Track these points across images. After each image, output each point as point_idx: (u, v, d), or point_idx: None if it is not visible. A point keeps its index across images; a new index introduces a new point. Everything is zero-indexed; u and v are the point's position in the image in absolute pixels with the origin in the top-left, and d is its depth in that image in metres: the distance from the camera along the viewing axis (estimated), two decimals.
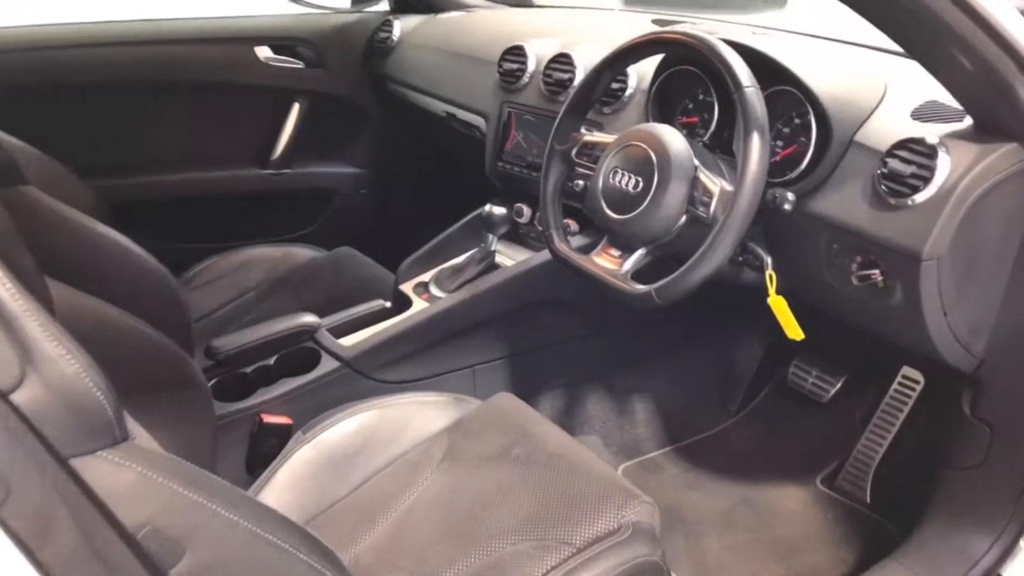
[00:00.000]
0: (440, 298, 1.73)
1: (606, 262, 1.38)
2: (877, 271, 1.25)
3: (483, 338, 1.72)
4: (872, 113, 1.31)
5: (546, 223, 1.49)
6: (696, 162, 1.29)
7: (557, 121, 1.49)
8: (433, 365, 1.68)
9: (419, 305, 1.73)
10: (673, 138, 1.30)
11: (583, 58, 1.75)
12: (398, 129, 2.47)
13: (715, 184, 1.24)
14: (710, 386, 2.03)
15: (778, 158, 1.41)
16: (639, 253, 1.35)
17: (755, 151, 1.17)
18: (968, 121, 1.22)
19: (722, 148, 1.50)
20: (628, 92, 1.65)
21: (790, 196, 1.24)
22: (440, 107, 2.12)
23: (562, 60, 1.78)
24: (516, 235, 1.90)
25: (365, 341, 1.61)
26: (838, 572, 1.58)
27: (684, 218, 1.28)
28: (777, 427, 1.96)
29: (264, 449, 1.48)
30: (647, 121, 1.59)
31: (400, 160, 2.52)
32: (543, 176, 1.50)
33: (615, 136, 1.43)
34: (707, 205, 1.24)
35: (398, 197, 2.55)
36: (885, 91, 1.33)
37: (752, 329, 2.03)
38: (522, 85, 1.85)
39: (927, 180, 1.16)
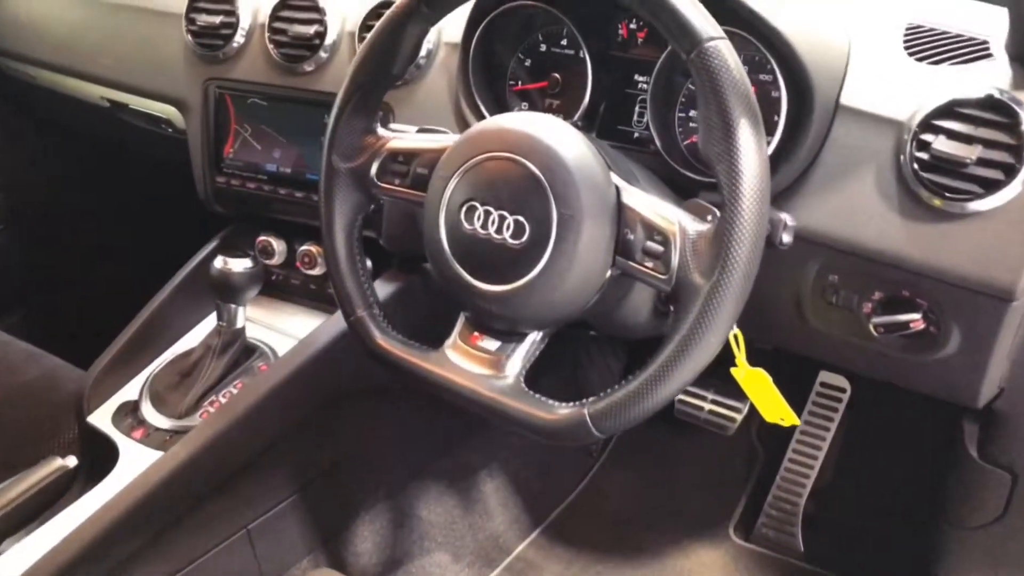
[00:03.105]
0: (166, 432, 1.03)
1: (473, 363, 0.79)
2: (916, 315, 0.79)
3: (257, 479, 1.05)
4: (849, 57, 0.82)
5: (347, 302, 0.85)
6: (615, 177, 0.73)
7: (333, 118, 0.84)
8: (182, 551, 0.99)
9: (133, 454, 1.01)
10: (565, 137, 0.73)
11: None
12: (29, 129, 1.59)
13: (667, 219, 0.69)
14: None
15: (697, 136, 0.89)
16: (532, 340, 0.78)
17: (750, 155, 0.64)
18: (999, 54, 0.79)
19: (600, 132, 0.95)
20: (426, 48, 1.02)
21: (789, 220, 0.72)
22: (95, 92, 1.33)
23: (298, 3, 1.10)
24: (267, 284, 1.21)
25: (41, 566, 0.87)
26: None
27: (609, 274, 0.72)
28: (656, 464, 1.52)
29: None
30: (468, 94, 0.99)
31: (43, 178, 1.63)
32: (325, 221, 0.85)
33: (447, 137, 0.82)
34: (660, 257, 0.69)
35: (53, 238, 1.66)
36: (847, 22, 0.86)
37: (600, 337, 1.54)
38: (234, 50, 1.15)
39: (1012, 169, 0.70)
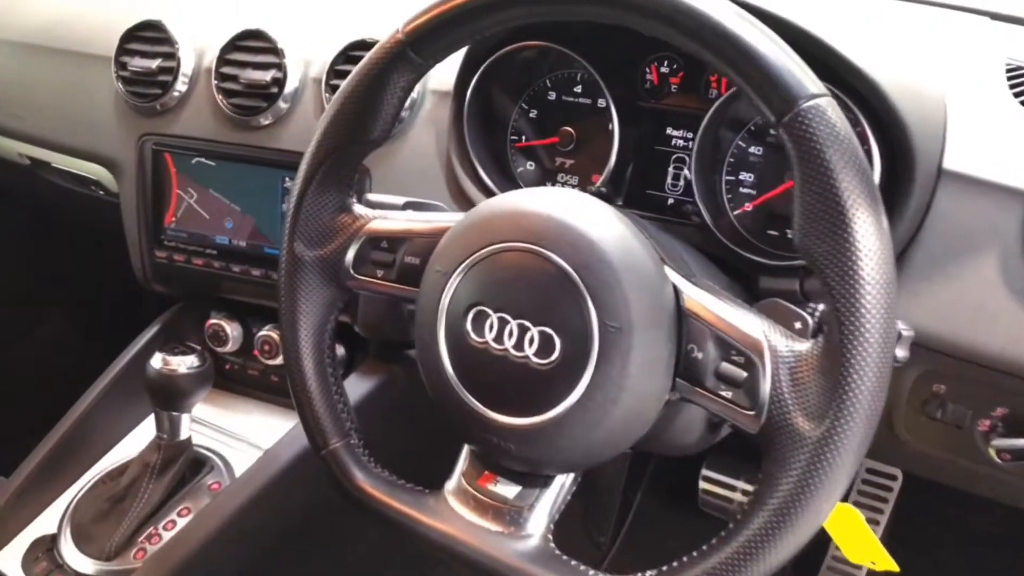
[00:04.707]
0: None
1: (485, 517, 0.61)
2: None
3: None
4: (946, 109, 0.65)
5: (317, 432, 0.66)
6: (671, 272, 0.55)
7: (296, 195, 0.65)
8: None
9: None
10: (603, 220, 0.55)
11: (293, 39, 0.91)
12: None
13: (749, 334, 0.51)
14: (570, 519, 1.33)
15: (751, 205, 0.73)
16: (561, 484, 0.60)
17: (874, 256, 0.47)
18: None
19: (628, 199, 0.77)
20: (410, 98, 0.84)
21: (904, 329, 0.55)
22: (12, 148, 1.13)
23: (252, 44, 0.92)
24: (219, 374, 1.01)
25: None
26: None
27: (668, 397, 0.54)
28: (675, 559, 1.33)
29: None
30: (463, 153, 0.81)
31: None
32: (287, 326, 0.66)
33: (443, 216, 0.64)
34: (742, 385, 0.51)
35: None
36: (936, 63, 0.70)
37: None
38: (175, 100, 0.96)
39: None
